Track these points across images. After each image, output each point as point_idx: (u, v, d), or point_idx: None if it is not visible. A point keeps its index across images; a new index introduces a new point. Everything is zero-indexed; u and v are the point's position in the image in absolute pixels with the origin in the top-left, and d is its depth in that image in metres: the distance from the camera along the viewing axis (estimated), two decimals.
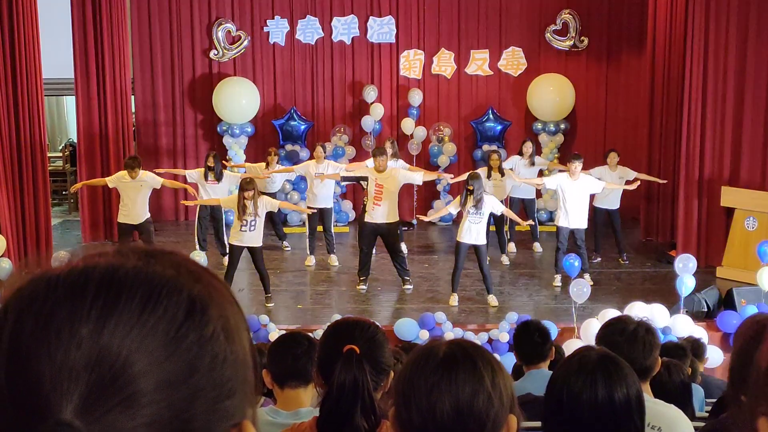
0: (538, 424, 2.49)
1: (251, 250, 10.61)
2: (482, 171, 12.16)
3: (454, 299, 10.92)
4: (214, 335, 0.86)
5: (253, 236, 10.57)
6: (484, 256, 10.78)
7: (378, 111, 15.17)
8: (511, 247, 13.36)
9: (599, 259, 12.75)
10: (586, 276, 11.30)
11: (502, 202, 11.38)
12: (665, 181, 13.18)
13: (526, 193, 13.28)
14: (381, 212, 11.09)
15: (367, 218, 11.18)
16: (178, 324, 0.83)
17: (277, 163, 13.40)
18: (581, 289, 9.86)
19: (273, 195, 12.83)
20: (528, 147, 13.25)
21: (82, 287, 0.83)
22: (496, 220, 12.00)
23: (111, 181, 11.72)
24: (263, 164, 13.21)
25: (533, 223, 13.09)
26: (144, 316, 0.82)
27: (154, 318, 0.82)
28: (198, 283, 0.88)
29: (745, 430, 1.76)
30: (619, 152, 12.73)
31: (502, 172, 12.58)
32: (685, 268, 10.09)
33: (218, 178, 12.28)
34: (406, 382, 1.75)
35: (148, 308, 0.83)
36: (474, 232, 10.52)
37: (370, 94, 15.23)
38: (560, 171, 12.75)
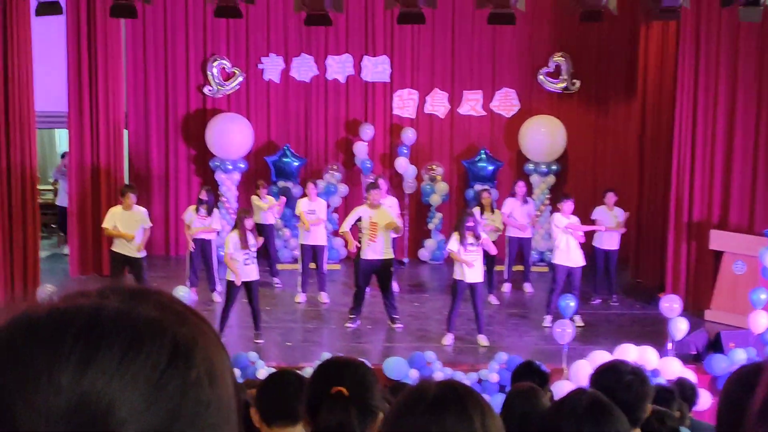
0: None
1: (249, 285, 10.54)
2: (476, 210, 12.14)
3: (448, 339, 10.84)
4: (198, 380, 0.83)
5: (253, 269, 10.54)
6: (480, 295, 10.77)
7: (364, 150, 15.15)
8: (505, 287, 13.35)
9: (599, 300, 12.70)
10: (577, 317, 11.23)
11: (495, 242, 11.38)
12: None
13: (523, 233, 13.28)
14: (377, 249, 11.08)
15: (363, 255, 11.15)
16: (160, 370, 0.81)
17: (267, 194, 13.42)
18: (565, 330, 9.85)
19: (266, 227, 12.95)
20: (520, 187, 13.26)
21: (62, 331, 0.80)
22: (487, 260, 11.96)
23: (107, 221, 11.53)
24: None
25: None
26: (125, 362, 0.79)
27: (135, 365, 0.80)
28: (183, 326, 0.86)
29: None
30: (616, 192, 12.74)
31: (492, 211, 12.68)
32: (671, 309, 10.08)
33: (209, 212, 12.28)
34: (395, 423, 1.74)
35: (130, 354, 0.80)
36: (474, 268, 10.49)
37: (366, 132, 15.24)
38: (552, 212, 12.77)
